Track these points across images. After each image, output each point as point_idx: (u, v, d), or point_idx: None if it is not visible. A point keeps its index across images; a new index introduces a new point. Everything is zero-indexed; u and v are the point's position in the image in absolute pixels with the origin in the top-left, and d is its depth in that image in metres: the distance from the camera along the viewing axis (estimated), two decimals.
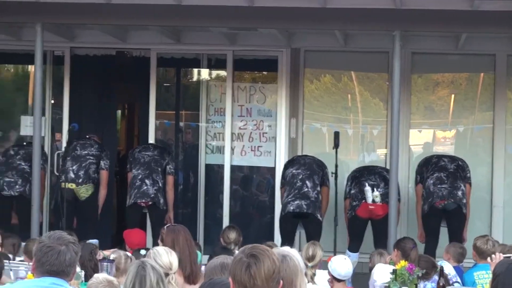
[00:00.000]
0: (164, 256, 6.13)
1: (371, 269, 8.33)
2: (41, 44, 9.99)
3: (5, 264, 6.95)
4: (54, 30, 10.81)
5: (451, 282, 7.94)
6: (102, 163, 11.06)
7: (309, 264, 7.82)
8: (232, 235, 9.08)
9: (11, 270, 6.92)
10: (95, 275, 6.08)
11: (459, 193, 10.55)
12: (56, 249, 5.08)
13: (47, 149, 11.92)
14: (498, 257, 6.11)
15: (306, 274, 7.35)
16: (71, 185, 10.91)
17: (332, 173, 11.14)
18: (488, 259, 6.90)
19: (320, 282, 7.53)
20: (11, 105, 12.99)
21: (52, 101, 12.43)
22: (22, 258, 7.49)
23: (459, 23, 9.84)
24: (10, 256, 7.65)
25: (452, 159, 11.01)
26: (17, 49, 12.30)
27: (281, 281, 4.67)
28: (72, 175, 10.93)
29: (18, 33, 11.29)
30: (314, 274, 7.73)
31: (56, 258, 5.10)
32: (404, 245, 8.62)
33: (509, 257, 6.06)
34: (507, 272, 5.31)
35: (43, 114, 11.21)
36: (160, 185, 10.94)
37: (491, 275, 5.91)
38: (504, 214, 11.58)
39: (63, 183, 10.98)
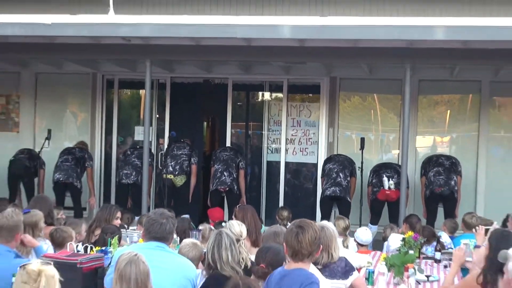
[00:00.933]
0: (237, 227, 6.21)
1: (384, 238, 8.39)
2: (149, 74, 10.12)
3: (123, 232, 7.10)
4: (159, 64, 10.94)
5: (446, 247, 7.93)
6: (192, 159, 11.21)
7: (347, 233, 7.92)
8: (285, 213, 9.22)
9: (127, 236, 7.04)
10: (184, 240, 6.24)
11: (452, 182, 10.55)
12: (159, 221, 5.24)
13: (153, 150, 12.08)
14: (480, 228, 6.07)
15: (344, 241, 7.39)
16: (170, 176, 11.09)
17: (358, 167, 11.22)
18: (473, 230, 6.85)
19: (350, 247, 7.59)
20: (128, 118, 13.17)
21: (157, 116, 12.61)
22: (134, 227, 7.62)
23: (455, 58, 9.77)
24: (126, 226, 7.81)
25: (448, 157, 10.99)
26: (132, 78, 12.51)
27: (321, 246, 4.73)
28: (170, 169, 11.11)
29: (133, 66, 11.45)
30: (349, 238, 7.82)
31: (159, 228, 5.25)
32: (411, 220, 8.67)
33: (488, 229, 6.00)
34: (495, 237, 5.27)
35: (151, 125, 11.32)
36: (234, 176, 11.06)
37: (474, 242, 5.88)
38: (485, 198, 11.51)
39: (164, 175, 11.22)
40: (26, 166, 11.66)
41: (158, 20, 9.96)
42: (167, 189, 11.20)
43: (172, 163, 11.16)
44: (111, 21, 10.21)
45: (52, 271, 3.51)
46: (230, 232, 5.79)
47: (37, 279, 3.38)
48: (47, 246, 6.26)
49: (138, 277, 4.02)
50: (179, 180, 11.07)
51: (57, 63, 11.97)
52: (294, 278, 4.24)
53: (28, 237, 6.09)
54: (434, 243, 8.06)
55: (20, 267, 3.51)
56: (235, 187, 10.99)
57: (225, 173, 11.00)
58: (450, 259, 7.08)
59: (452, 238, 8.56)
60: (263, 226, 8.36)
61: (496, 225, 6.85)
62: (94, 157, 12.23)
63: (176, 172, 11.07)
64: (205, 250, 5.85)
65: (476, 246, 6.02)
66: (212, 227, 7.90)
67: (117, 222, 7.54)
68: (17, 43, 10.20)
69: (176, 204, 10.71)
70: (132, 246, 5.92)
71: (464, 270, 5.79)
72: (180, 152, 11.24)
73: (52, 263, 3.73)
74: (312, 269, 4.60)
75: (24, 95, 13.05)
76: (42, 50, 10.48)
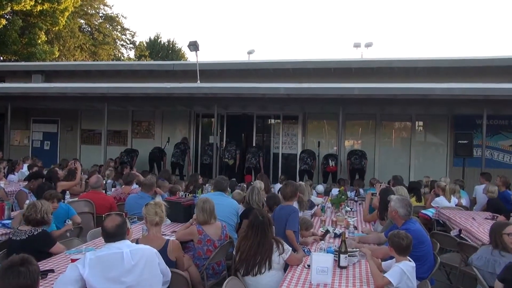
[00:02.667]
0: (258, 184, 6.23)
1: (329, 190, 8.23)
2: (216, 111, 10.08)
3: (204, 187, 7.04)
4: (221, 106, 10.87)
5: (360, 195, 7.81)
6: (237, 151, 11.10)
7: (311, 187, 7.80)
8: (282, 177, 9.01)
9: (205, 189, 7.00)
10: (234, 191, 6.21)
11: (363, 163, 10.41)
12: (221, 181, 5.14)
13: (219, 147, 11.95)
14: (379, 185, 5.97)
15: (310, 191, 7.32)
16: (226, 160, 11.04)
17: (317, 156, 11.02)
18: (374, 186, 6.73)
19: (313, 194, 7.46)
20: (206, 132, 13.01)
21: (220, 131, 12.48)
22: (208, 184, 7.56)
23: (362, 104, 9.62)
24: (205, 184, 7.73)
25: (360, 150, 10.77)
26: (208, 113, 12.39)
27: (298, 193, 4.62)
28: (226, 156, 11.05)
29: (208, 107, 11.33)
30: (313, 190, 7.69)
31: (221, 185, 5.15)
32: (342, 180, 8.55)
33: (381, 185, 5.90)
34: (383, 192, 5.16)
35: (216, 135, 11.31)
36: (258, 160, 10.91)
37: (375, 193, 5.79)
38: (379, 170, 11.34)
39: (223, 159, 11.17)
40: (157, 155, 11.66)
41: (220, 85, 9.93)
42: (225, 166, 11.17)
43: (227, 154, 11.08)
44: (198, 86, 10.23)
45: (161, 203, 3.62)
46: (257, 186, 5.84)
47: (158, 205, 3.55)
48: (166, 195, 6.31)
49: (210, 208, 4.01)
50: (230, 162, 11.00)
51: (173, 105, 11.97)
52: (286, 209, 4.21)
53: (158, 190, 6.13)
54: (355, 191, 7.97)
55: (148, 203, 3.62)
56: (258, 165, 10.84)
57: (253, 158, 10.88)
58: (362, 200, 7.00)
59: (364, 190, 8.47)
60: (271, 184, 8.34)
61: (384, 184, 6.73)
62: (190, 149, 12.23)
63: (229, 158, 11.01)
64: (244, 195, 5.86)
65: (374, 193, 5.91)
66: (245, 185, 7.91)
67: (200, 181, 7.54)
68: (153, 97, 10.25)
69: (229, 173, 10.66)
70: (207, 194, 5.90)
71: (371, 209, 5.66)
72: (231, 148, 11.15)
73: (162, 200, 3.89)
74: (295, 204, 4.55)
75: (156, 121, 13.05)
76: (165, 99, 10.50)
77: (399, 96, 8.79)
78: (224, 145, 11.99)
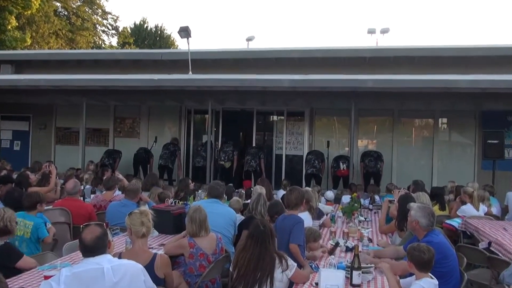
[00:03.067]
0: (259, 189, 6.18)
1: (340, 196, 8.22)
2: (210, 106, 10.06)
3: (196, 193, 7.04)
4: (216, 101, 10.84)
5: (376, 202, 7.80)
6: (234, 153, 11.12)
7: (319, 193, 7.81)
8: (285, 182, 9.00)
9: (198, 195, 6.98)
10: (232, 198, 6.24)
11: (378, 165, 10.40)
12: (215, 187, 5.14)
13: (213, 148, 11.91)
14: (397, 191, 5.92)
15: (318, 198, 7.28)
16: (222, 162, 11.06)
17: (326, 157, 11.01)
18: (392, 192, 6.70)
19: (321, 201, 7.44)
20: (198, 131, 13.01)
21: (214, 129, 12.44)
22: (202, 191, 7.53)
23: (378, 97, 9.61)
24: (197, 189, 7.71)
25: (375, 152, 10.82)
26: (201, 108, 12.36)
27: (304, 200, 4.62)
28: (222, 158, 11.07)
29: (201, 102, 11.28)
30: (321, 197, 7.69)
31: (215, 191, 5.15)
32: (354, 186, 8.55)
33: (399, 191, 5.87)
34: (402, 199, 5.14)
35: (211, 134, 11.30)
36: (258, 162, 10.90)
37: (393, 199, 5.77)
38: (397, 174, 11.35)
39: (219, 161, 11.18)
40: (143, 157, 11.70)
41: (215, 77, 9.92)
42: (220, 170, 11.18)
43: (223, 155, 11.11)
44: (190, 77, 10.23)
45: (147, 211, 3.58)
46: (258, 190, 5.90)
47: (143, 213, 3.50)
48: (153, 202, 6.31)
49: (200, 219, 4.02)
50: (227, 164, 11.04)
51: (161, 100, 11.96)
52: (289, 219, 4.22)
53: (143, 196, 6.12)
54: (369, 199, 7.96)
55: (133, 211, 3.60)
56: (258, 169, 10.83)
57: (252, 161, 10.88)
58: (378, 208, 7.00)
59: (380, 197, 8.45)
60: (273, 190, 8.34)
61: (403, 190, 6.70)
62: (181, 151, 12.23)
63: (226, 160, 11.03)
64: (243, 203, 5.88)
65: (391, 201, 5.88)
66: (244, 191, 7.92)
67: (191, 187, 7.52)
68: (138, 90, 10.25)
69: (225, 178, 10.64)
70: (200, 201, 5.90)
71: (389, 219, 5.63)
72: (227, 149, 11.17)
73: (148, 208, 3.90)
74: (300, 214, 4.54)
75: (142, 118, 13.07)
76: (152, 93, 10.50)
77: (420, 90, 8.78)
78: (219, 146, 11.96)
